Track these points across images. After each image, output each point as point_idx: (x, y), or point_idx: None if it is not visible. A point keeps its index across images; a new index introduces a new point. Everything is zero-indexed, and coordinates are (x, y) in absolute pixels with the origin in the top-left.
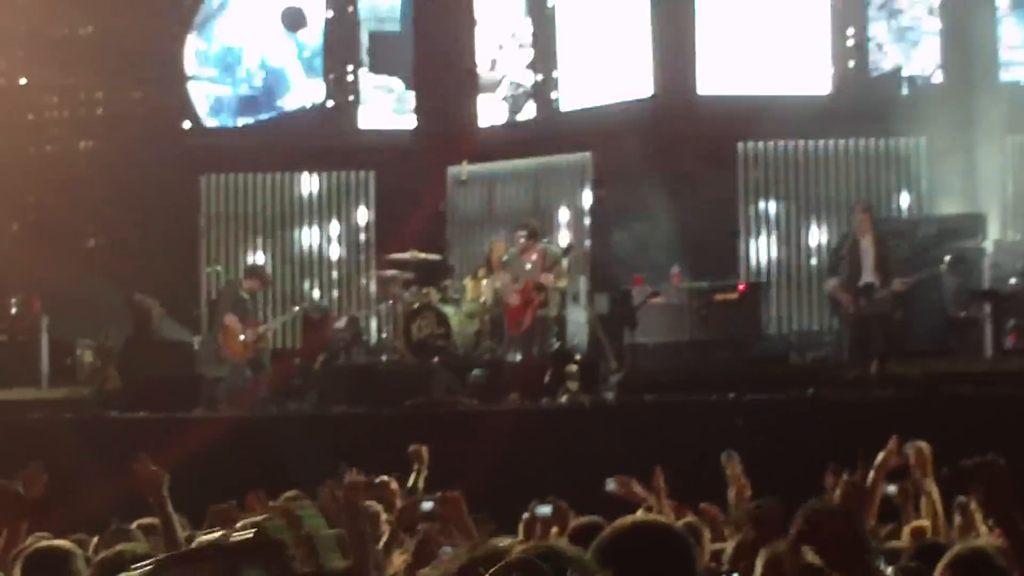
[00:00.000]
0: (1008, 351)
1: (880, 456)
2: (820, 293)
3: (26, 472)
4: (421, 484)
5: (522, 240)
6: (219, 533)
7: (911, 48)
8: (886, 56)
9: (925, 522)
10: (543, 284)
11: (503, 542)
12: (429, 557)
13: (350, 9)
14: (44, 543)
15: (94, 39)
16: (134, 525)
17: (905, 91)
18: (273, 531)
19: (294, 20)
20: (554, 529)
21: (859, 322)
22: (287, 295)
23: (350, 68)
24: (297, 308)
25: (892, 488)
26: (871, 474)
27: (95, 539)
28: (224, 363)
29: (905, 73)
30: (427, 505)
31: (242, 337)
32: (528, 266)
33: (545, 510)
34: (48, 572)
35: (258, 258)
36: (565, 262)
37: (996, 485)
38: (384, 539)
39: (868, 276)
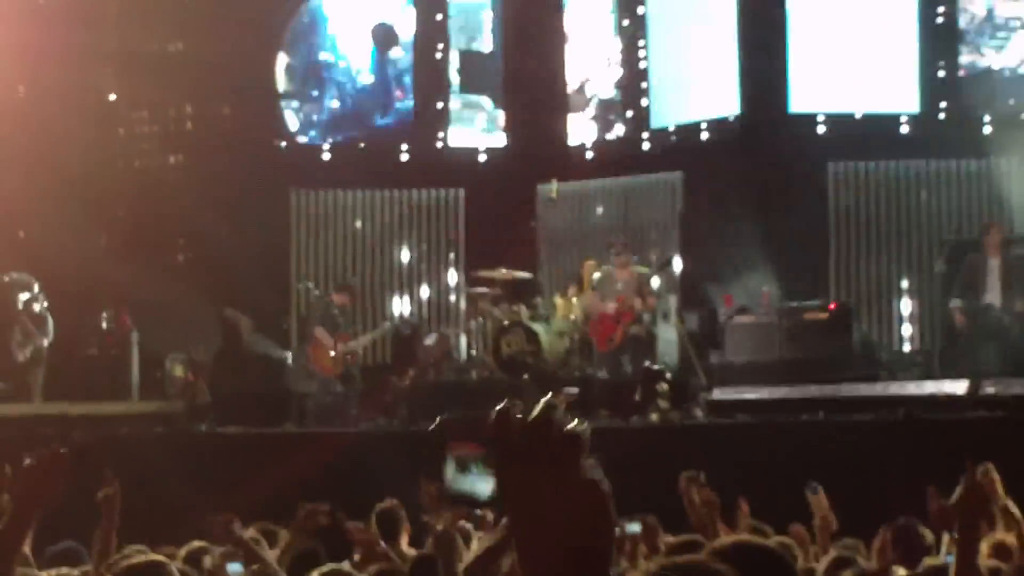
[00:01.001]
0: None
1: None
2: (911, 314)
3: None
4: None
5: (615, 257)
6: None
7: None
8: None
9: (1007, 536)
10: (634, 307)
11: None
12: None
13: (440, 27)
14: (139, 558)
15: (184, 55)
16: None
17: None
18: None
19: (385, 37)
20: (642, 546)
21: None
22: (377, 311)
23: (439, 86)
24: (388, 324)
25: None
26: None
27: (183, 552)
28: (314, 378)
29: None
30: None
31: (332, 352)
32: (619, 285)
33: (635, 528)
34: None
35: (348, 274)
36: (656, 280)
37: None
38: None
39: (991, 296)
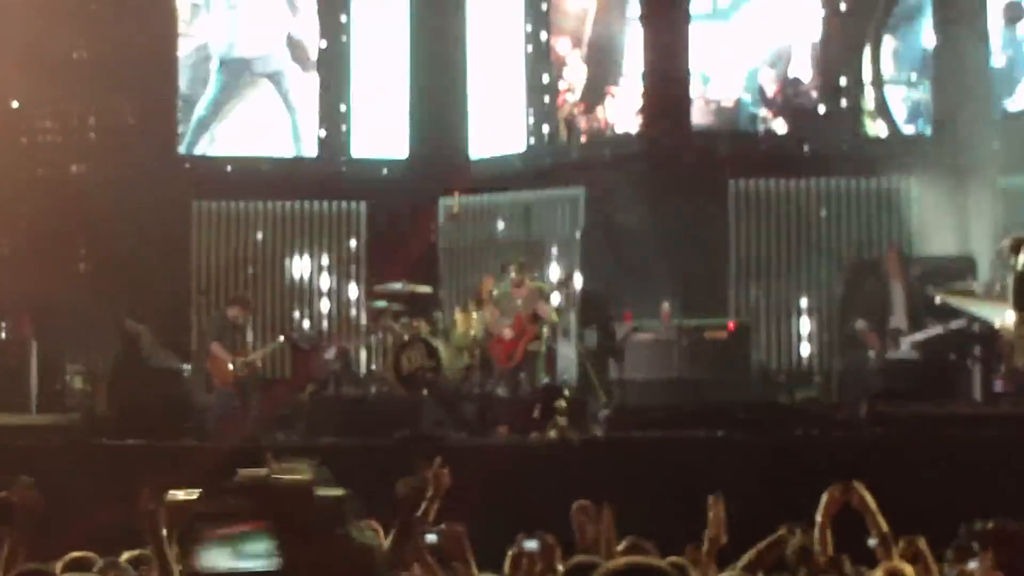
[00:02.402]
0: (997, 394)
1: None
2: (810, 333)
3: (17, 488)
4: (432, 516)
5: (512, 275)
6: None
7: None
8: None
9: (901, 564)
10: (538, 315)
11: None
12: None
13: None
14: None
15: (87, 63)
16: (123, 557)
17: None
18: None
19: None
20: (539, 565)
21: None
22: (276, 325)
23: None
24: (283, 338)
25: (872, 541)
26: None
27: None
28: (213, 391)
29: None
30: (431, 538)
31: (230, 365)
32: (519, 301)
33: (532, 545)
34: None
35: (244, 287)
36: (556, 297)
37: (1009, 548)
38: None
39: (898, 321)
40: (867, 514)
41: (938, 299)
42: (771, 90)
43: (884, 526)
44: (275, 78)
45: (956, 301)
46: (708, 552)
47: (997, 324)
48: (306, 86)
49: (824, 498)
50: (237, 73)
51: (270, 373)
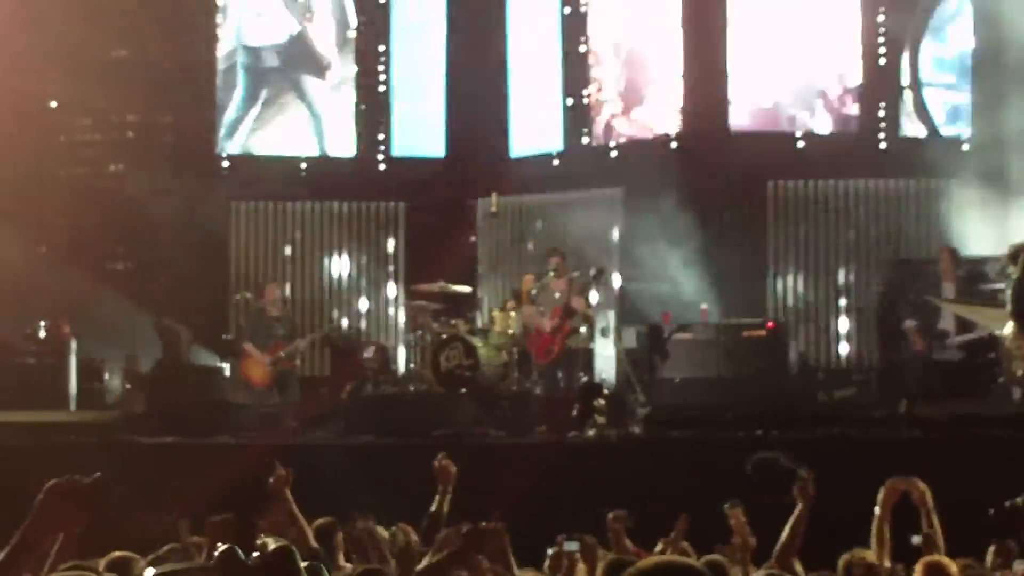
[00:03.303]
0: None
1: (881, 495)
2: (848, 332)
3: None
4: (446, 507)
5: (553, 267)
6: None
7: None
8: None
9: (943, 558)
10: (573, 308)
11: (529, 573)
12: None
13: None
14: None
15: (127, 62)
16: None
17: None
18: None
19: None
20: (581, 565)
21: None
22: (315, 324)
23: None
24: (324, 328)
25: (917, 538)
26: (876, 512)
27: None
28: (250, 390)
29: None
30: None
31: (264, 363)
32: (557, 295)
33: (572, 546)
34: None
35: (287, 286)
36: (595, 294)
37: None
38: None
39: (946, 323)
40: (923, 509)
41: (937, 305)
42: (813, 92)
43: (937, 523)
44: (305, 78)
45: (954, 308)
46: (742, 560)
47: (995, 332)
48: (345, 85)
49: (882, 491)
50: (266, 74)
51: (309, 372)
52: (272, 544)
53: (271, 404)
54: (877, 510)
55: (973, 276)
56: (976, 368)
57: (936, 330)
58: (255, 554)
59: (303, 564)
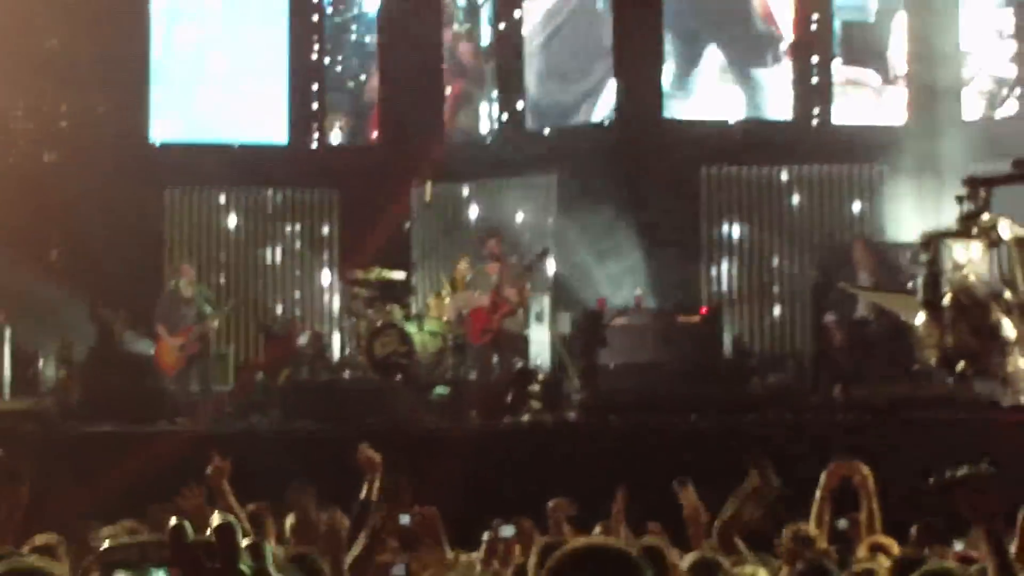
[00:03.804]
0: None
1: (823, 477)
2: (782, 318)
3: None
4: (375, 495)
5: (489, 251)
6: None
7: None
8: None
9: (885, 538)
10: (509, 290)
11: (463, 557)
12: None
13: None
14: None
15: (58, 51)
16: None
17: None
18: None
19: None
20: (517, 549)
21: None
22: (250, 311)
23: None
24: (231, 303)
25: (843, 522)
26: (817, 495)
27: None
28: (164, 376)
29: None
30: (404, 519)
31: (174, 347)
32: (493, 278)
33: (508, 531)
34: None
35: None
36: (529, 282)
37: (983, 495)
38: (356, 553)
39: (862, 310)
40: (864, 491)
41: (847, 290)
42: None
43: (876, 506)
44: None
45: (868, 296)
46: (694, 535)
47: (903, 318)
48: (276, 71)
49: (824, 475)
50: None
51: (243, 358)
52: (216, 520)
53: (188, 390)
54: (818, 492)
55: (887, 264)
56: (904, 351)
57: (854, 320)
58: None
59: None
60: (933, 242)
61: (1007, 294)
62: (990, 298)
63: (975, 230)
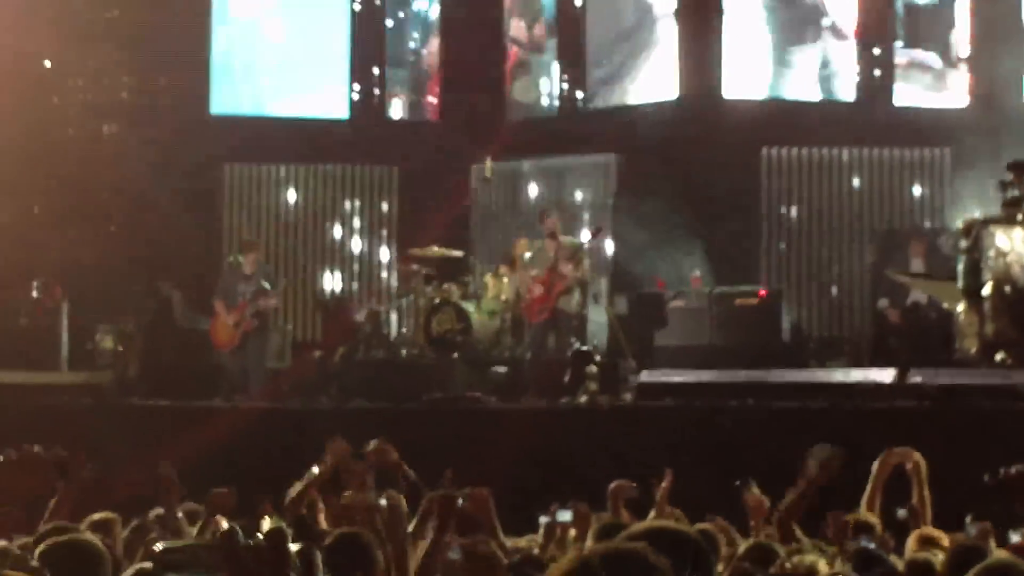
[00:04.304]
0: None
1: (875, 465)
2: (840, 302)
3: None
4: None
5: (549, 229)
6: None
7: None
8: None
9: (934, 531)
10: (563, 273)
11: (521, 542)
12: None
13: None
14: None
15: (120, 22)
16: (151, 516)
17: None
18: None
19: None
20: (573, 533)
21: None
22: (308, 287)
23: None
24: (281, 284)
25: (902, 511)
26: (870, 483)
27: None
28: (219, 352)
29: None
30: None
31: (230, 323)
32: (551, 254)
33: (566, 516)
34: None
35: (280, 249)
36: (587, 260)
37: None
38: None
39: (917, 295)
40: (916, 480)
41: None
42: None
43: (927, 495)
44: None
45: (909, 281)
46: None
47: (946, 306)
48: (337, 44)
49: (877, 462)
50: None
51: (301, 335)
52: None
53: (241, 367)
54: (871, 480)
55: (939, 250)
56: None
57: (909, 304)
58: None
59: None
60: (975, 228)
61: None
62: None
63: (1020, 216)
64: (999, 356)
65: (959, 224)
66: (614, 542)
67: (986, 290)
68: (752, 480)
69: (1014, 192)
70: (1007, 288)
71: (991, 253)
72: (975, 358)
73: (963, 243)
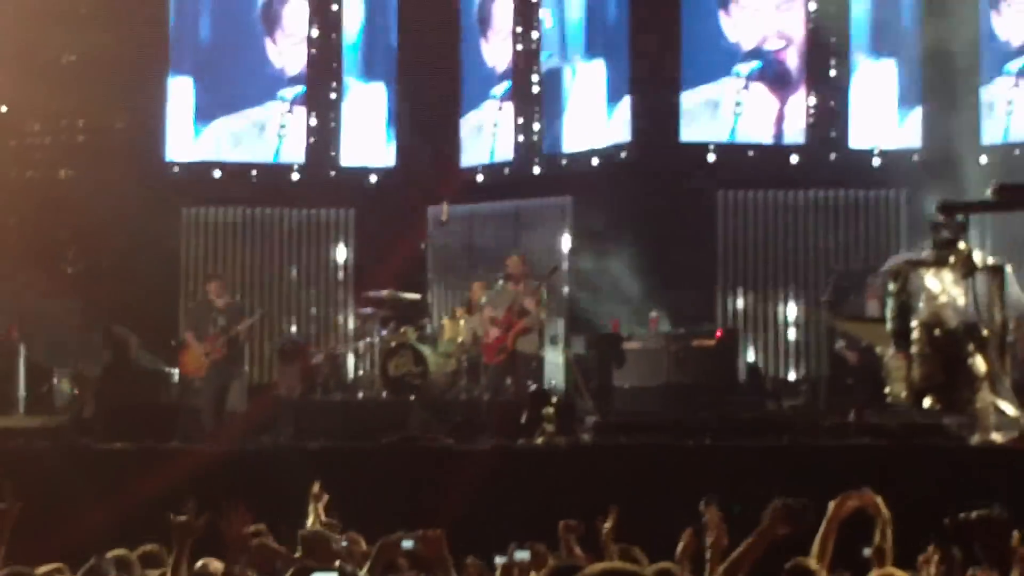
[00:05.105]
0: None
1: (831, 506)
2: (796, 342)
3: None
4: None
5: (511, 268)
6: None
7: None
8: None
9: (897, 571)
10: (526, 308)
11: None
12: None
13: None
14: None
15: (77, 66)
16: (108, 555)
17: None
18: None
19: None
20: (532, 574)
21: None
22: (264, 329)
23: None
24: (259, 311)
25: (868, 551)
26: (823, 525)
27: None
28: (185, 381)
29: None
30: (407, 543)
31: (202, 353)
32: (511, 297)
33: (523, 555)
34: None
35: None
36: (545, 293)
37: (997, 537)
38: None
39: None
40: (880, 521)
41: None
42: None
43: (890, 537)
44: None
45: (843, 325)
46: (713, 559)
47: (878, 351)
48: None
49: (832, 506)
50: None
51: (258, 379)
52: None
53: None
54: (824, 522)
55: (844, 289)
56: None
57: (865, 344)
58: None
59: None
60: (903, 270)
61: (981, 327)
62: (963, 330)
63: (952, 258)
64: (927, 402)
65: (887, 267)
66: None
67: (915, 334)
68: (715, 499)
69: (945, 233)
70: (937, 331)
71: (922, 296)
72: (904, 404)
73: (892, 286)
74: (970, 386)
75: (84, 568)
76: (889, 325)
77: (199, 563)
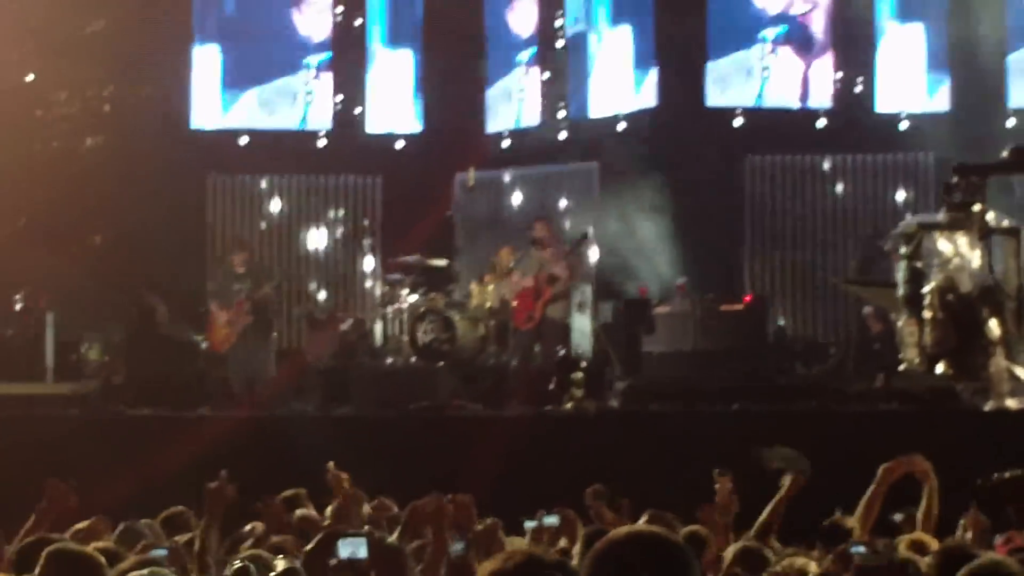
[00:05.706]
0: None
1: (880, 471)
2: (825, 306)
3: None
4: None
5: (538, 233)
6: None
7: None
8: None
9: (925, 536)
10: (556, 275)
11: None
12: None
13: None
14: (71, 547)
15: (103, 35)
16: (141, 522)
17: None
18: None
19: None
20: (562, 539)
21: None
22: (292, 296)
23: None
24: (274, 281)
25: (898, 515)
26: (871, 487)
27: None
28: (223, 359)
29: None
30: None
31: (224, 322)
32: (539, 262)
33: (552, 520)
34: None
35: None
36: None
37: None
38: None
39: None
40: (927, 486)
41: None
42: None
43: (936, 504)
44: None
45: (856, 290)
46: (721, 524)
47: (892, 317)
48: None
49: (881, 470)
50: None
51: (286, 345)
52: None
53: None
54: (873, 485)
55: (871, 254)
56: None
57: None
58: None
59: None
60: (916, 233)
61: (996, 289)
62: (977, 294)
63: (965, 221)
64: (940, 368)
65: (899, 229)
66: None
67: (927, 299)
68: (728, 472)
69: (959, 196)
70: (950, 296)
71: (934, 260)
72: (918, 369)
73: (903, 249)
74: (984, 351)
75: (119, 529)
76: (900, 290)
77: (247, 527)
